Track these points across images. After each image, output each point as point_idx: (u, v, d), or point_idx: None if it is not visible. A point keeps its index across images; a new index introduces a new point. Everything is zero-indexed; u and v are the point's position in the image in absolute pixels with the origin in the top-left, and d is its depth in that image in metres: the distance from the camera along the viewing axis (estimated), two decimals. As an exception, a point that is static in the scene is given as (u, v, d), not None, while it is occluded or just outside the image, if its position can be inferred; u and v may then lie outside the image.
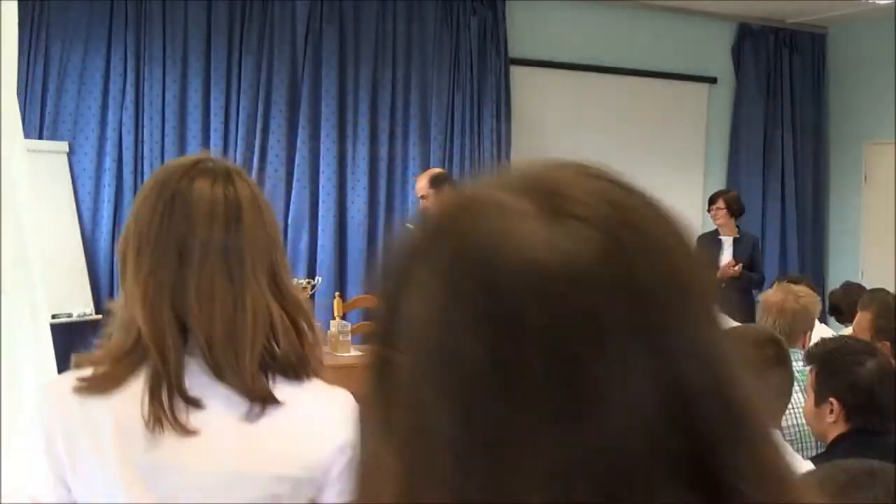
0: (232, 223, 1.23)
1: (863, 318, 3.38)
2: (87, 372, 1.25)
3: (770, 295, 3.26)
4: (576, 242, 0.52)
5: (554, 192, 0.55)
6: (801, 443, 2.79)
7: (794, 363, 2.91)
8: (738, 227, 6.42)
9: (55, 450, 1.25)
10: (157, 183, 1.29)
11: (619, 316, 0.51)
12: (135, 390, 1.21)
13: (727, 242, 6.35)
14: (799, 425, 2.77)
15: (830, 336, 2.77)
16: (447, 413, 0.51)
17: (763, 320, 3.17)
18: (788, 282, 3.61)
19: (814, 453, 2.73)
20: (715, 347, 0.55)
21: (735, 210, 6.36)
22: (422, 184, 5.00)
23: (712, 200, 6.46)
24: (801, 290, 3.28)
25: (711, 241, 6.43)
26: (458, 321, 0.51)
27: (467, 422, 0.51)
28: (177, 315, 1.22)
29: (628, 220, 0.56)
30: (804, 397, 2.80)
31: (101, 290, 5.55)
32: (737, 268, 6.11)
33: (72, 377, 1.25)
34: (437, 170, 5.64)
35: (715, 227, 6.47)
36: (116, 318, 1.27)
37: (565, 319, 0.51)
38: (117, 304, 1.29)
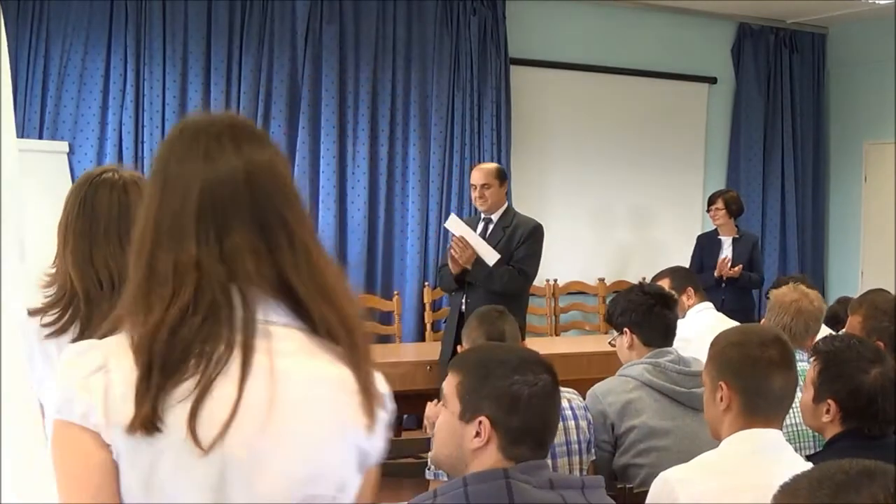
0: (123, 219, 1.91)
1: (853, 320, 3.38)
2: (40, 320, 1.89)
3: (784, 294, 3.22)
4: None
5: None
6: (800, 442, 2.78)
7: (800, 363, 2.91)
8: (737, 226, 6.42)
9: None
10: (74, 189, 2.02)
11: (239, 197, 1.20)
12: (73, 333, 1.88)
13: (727, 242, 6.35)
14: (798, 424, 2.76)
15: (840, 334, 2.72)
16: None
17: (777, 318, 3.13)
18: (794, 282, 3.58)
19: (811, 452, 2.73)
20: (293, 220, 1.22)
21: (734, 210, 6.35)
22: (486, 174, 4.84)
23: (711, 201, 6.46)
24: (812, 293, 3.27)
25: (711, 241, 6.44)
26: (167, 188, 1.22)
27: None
28: (97, 273, 1.90)
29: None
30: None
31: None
32: (736, 269, 6.10)
33: (35, 323, 1.90)
34: (495, 164, 5.50)
35: (714, 227, 6.46)
36: (55, 279, 1.94)
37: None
38: (53, 270, 1.96)
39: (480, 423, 1.70)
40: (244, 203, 1.19)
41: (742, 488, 1.91)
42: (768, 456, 1.99)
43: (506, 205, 4.88)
